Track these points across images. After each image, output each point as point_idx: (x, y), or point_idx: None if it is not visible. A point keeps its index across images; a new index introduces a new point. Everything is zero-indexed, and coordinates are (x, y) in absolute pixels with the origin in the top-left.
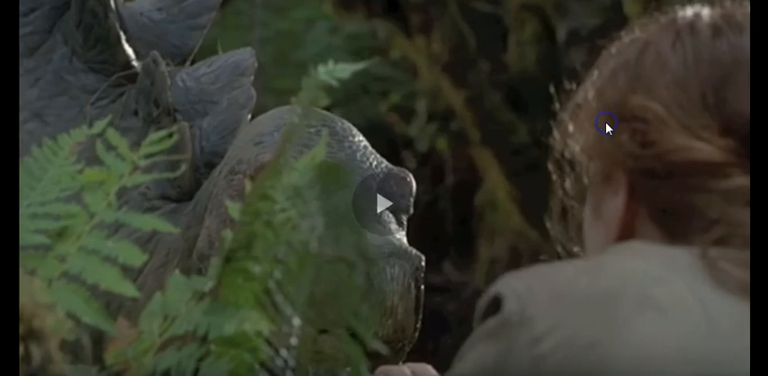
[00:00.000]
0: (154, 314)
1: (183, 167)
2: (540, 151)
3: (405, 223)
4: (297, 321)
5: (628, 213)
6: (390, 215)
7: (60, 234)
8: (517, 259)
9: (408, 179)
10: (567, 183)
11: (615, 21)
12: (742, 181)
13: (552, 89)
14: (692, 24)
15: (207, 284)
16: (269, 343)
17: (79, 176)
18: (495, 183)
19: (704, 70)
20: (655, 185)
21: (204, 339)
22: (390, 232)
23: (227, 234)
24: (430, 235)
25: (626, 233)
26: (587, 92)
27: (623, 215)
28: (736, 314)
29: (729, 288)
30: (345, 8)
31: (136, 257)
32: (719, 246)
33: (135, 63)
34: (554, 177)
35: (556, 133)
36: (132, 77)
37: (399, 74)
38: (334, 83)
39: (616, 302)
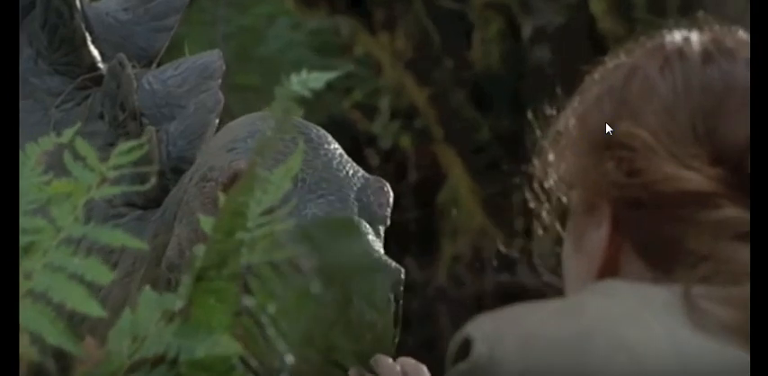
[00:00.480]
0: (122, 333)
1: (153, 180)
2: (503, 149)
3: (382, 234)
4: (289, 358)
5: (611, 246)
6: (368, 226)
7: (26, 249)
8: (479, 257)
9: (386, 189)
10: (546, 214)
11: (580, 19)
12: (732, 212)
13: (530, 115)
14: (681, 50)
15: (177, 303)
16: (245, 365)
17: (46, 188)
18: (459, 181)
19: (694, 97)
20: (640, 217)
21: (175, 362)
22: (369, 244)
23: (199, 250)
24: (392, 232)
25: (609, 267)
26: (569, 119)
27: (606, 248)
28: (713, 356)
29: (709, 329)
30: (307, 4)
31: (103, 275)
32: (704, 284)
33: (101, 65)
34: (533, 207)
35: (535, 162)
36: (98, 80)
37: (363, 71)
38: (306, 93)
39: (587, 346)
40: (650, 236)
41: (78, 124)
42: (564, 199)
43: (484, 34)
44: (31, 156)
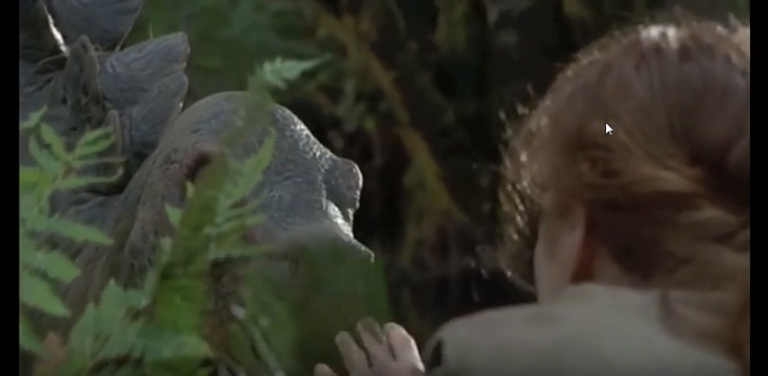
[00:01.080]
0: (85, 330)
1: (120, 171)
2: (468, 132)
3: (351, 218)
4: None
5: (585, 251)
6: (336, 209)
7: None
8: (444, 240)
9: (354, 171)
10: (519, 218)
11: (546, 3)
12: (712, 213)
13: (503, 116)
14: (658, 46)
15: (142, 301)
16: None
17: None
18: (423, 164)
19: (671, 95)
20: (616, 219)
21: (139, 363)
22: (338, 227)
23: (165, 245)
24: (356, 215)
25: (583, 272)
26: (541, 118)
27: (580, 252)
28: (691, 364)
29: (685, 335)
30: None
31: (67, 271)
32: (683, 288)
33: (63, 48)
34: (505, 211)
35: (507, 163)
36: (60, 63)
37: (327, 53)
38: (280, 83)
39: (562, 357)
40: (627, 239)
41: (44, 108)
42: (536, 202)
43: (449, 17)
44: None
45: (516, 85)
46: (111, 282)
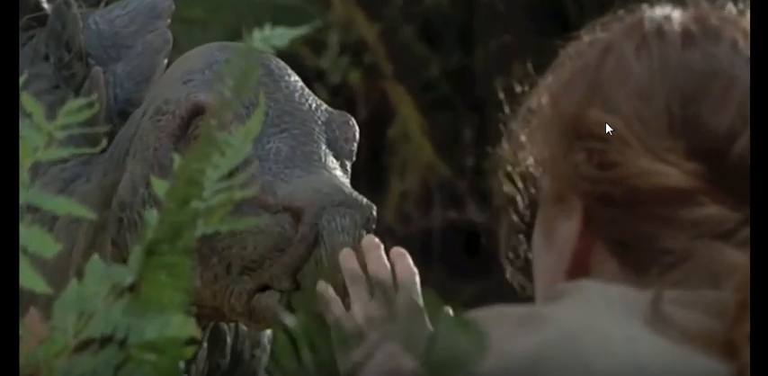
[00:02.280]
0: (68, 306)
1: (104, 142)
2: (453, 85)
3: (349, 170)
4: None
5: (582, 243)
6: (335, 161)
7: None
8: (428, 193)
9: (351, 123)
10: (519, 204)
11: None
12: (712, 210)
13: (501, 94)
14: (660, 28)
15: (127, 277)
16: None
17: None
18: (408, 117)
19: (671, 81)
20: (614, 213)
21: (124, 343)
22: (338, 179)
23: (151, 218)
24: None
25: (579, 264)
26: (541, 96)
27: (576, 244)
28: (678, 366)
29: (675, 336)
30: None
31: (48, 247)
32: (681, 286)
33: (45, 5)
34: (503, 196)
35: (505, 143)
36: (42, 20)
37: (310, 5)
38: (270, 51)
39: (542, 361)
40: (624, 233)
41: (25, 75)
42: (537, 185)
43: None
44: None
45: (501, 39)
46: (95, 256)
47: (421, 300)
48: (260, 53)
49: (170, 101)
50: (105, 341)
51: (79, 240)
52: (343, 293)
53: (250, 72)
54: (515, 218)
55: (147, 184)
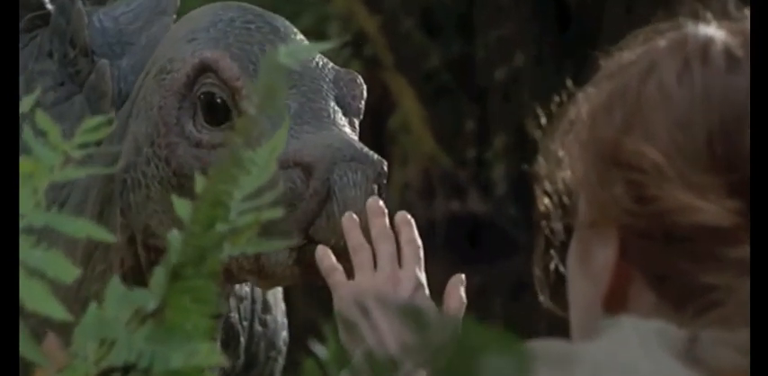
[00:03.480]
0: (88, 332)
1: (122, 162)
2: (453, 76)
3: (357, 128)
4: None
5: (619, 273)
6: (344, 117)
7: None
8: (430, 184)
9: (358, 81)
10: (555, 225)
11: None
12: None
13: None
14: (705, 50)
15: (150, 302)
16: None
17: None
18: (409, 108)
19: (713, 110)
20: (651, 248)
21: (147, 372)
22: (348, 135)
23: (174, 240)
24: None
25: (616, 294)
26: (579, 112)
27: (613, 274)
28: None
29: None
30: None
31: (68, 272)
32: (719, 324)
33: (49, 6)
34: (541, 219)
35: (541, 158)
36: (46, 18)
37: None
38: (296, 66)
39: None
40: (662, 268)
41: (38, 91)
42: (573, 201)
43: None
44: None
45: (502, 29)
46: (115, 278)
47: (423, 277)
48: (285, 69)
49: (175, 59)
50: (128, 369)
51: (86, 216)
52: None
53: (276, 88)
54: (550, 235)
55: (151, 143)
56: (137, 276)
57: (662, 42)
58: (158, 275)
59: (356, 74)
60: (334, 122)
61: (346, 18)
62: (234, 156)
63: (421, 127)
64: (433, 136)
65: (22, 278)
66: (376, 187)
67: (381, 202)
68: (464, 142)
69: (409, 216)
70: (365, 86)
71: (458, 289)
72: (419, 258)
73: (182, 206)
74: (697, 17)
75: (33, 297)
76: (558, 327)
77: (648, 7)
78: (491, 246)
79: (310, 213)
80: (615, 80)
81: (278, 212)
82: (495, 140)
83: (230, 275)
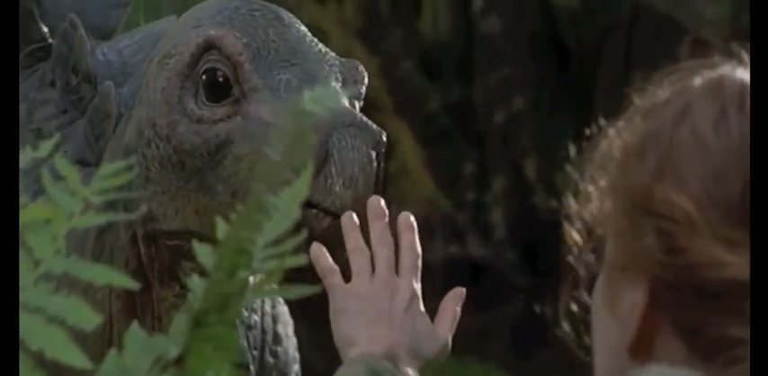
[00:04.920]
0: None
1: (144, 208)
2: (453, 119)
3: (357, 109)
4: None
5: (647, 319)
6: (345, 97)
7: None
8: (429, 228)
9: (360, 68)
10: (583, 262)
11: None
12: None
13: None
14: (743, 97)
15: (171, 349)
16: None
17: (22, 213)
18: (408, 151)
19: (749, 161)
20: (681, 299)
21: None
22: (348, 106)
23: (195, 286)
24: None
25: (644, 341)
26: (612, 143)
27: (641, 320)
28: None
29: None
30: None
31: (89, 319)
32: None
33: (51, 40)
34: (568, 245)
35: (570, 196)
36: (48, 50)
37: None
38: (322, 112)
39: None
40: (693, 320)
41: (57, 137)
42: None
43: (433, 3)
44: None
45: (501, 72)
46: (134, 324)
47: (419, 288)
48: (311, 115)
49: (179, 44)
50: None
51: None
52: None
53: (301, 135)
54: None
55: (153, 125)
56: (141, 276)
57: (697, 82)
58: (180, 322)
59: (358, 62)
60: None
61: None
62: (257, 202)
63: (420, 170)
64: (432, 179)
65: (42, 325)
66: (374, 154)
67: (383, 202)
68: (463, 185)
69: (412, 218)
70: (366, 73)
71: (454, 304)
72: (417, 267)
73: (204, 253)
74: (700, 57)
75: (54, 345)
76: (557, 372)
77: (648, 50)
78: (490, 290)
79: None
80: (649, 120)
81: (302, 259)
82: (493, 183)
83: None
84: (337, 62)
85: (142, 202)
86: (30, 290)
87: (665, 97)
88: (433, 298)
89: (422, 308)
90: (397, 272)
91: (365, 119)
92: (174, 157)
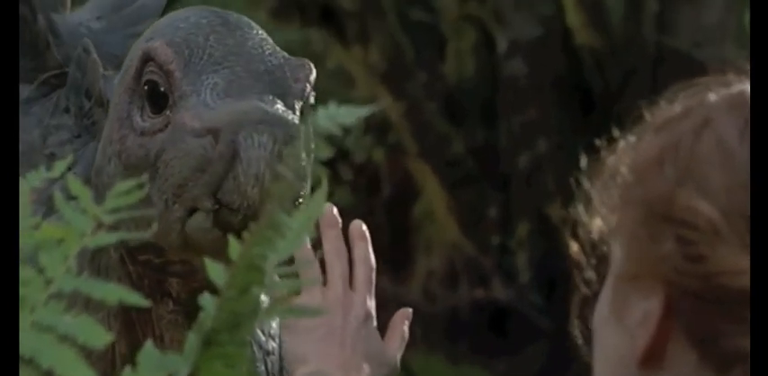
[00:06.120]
0: None
1: (154, 227)
2: (478, 162)
3: (298, 109)
4: None
5: (660, 329)
6: (277, 99)
7: None
8: (454, 272)
9: (306, 65)
10: (589, 273)
11: (556, 32)
12: None
13: (583, 161)
14: None
15: (183, 367)
16: None
17: (35, 233)
18: (433, 195)
19: None
20: (698, 308)
21: None
22: (268, 104)
23: (207, 304)
24: None
25: (654, 351)
26: (622, 158)
27: (654, 331)
28: None
29: None
30: (280, 16)
31: (98, 337)
32: None
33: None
34: (577, 259)
35: (580, 204)
36: (63, 78)
37: (335, 84)
38: (336, 130)
39: None
40: (709, 329)
41: (70, 157)
42: (607, 249)
43: (458, 46)
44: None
45: (525, 115)
46: (148, 344)
47: (373, 305)
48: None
49: (131, 59)
50: None
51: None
52: None
53: (310, 150)
54: (581, 282)
55: (110, 142)
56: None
57: (714, 97)
58: (191, 341)
59: (307, 61)
60: (260, 98)
61: (369, 104)
62: (270, 219)
63: (445, 214)
64: (456, 223)
65: (53, 344)
66: (285, 148)
67: (335, 210)
68: (487, 229)
69: (365, 227)
70: (314, 71)
71: (402, 324)
72: (371, 282)
73: (215, 271)
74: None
75: (64, 363)
76: None
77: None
78: (515, 334)
79: (216, 176)
80: (665, 134)
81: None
82: (518, 227)
83: (162, 264)
84: (280, 62)
85: (153, 220)
86: (42, 310)
87: (680, 111)
88: (458, 342)
89: (374, 326)
90: (351, 285)
91: (279, 113)
92: (126, 173)
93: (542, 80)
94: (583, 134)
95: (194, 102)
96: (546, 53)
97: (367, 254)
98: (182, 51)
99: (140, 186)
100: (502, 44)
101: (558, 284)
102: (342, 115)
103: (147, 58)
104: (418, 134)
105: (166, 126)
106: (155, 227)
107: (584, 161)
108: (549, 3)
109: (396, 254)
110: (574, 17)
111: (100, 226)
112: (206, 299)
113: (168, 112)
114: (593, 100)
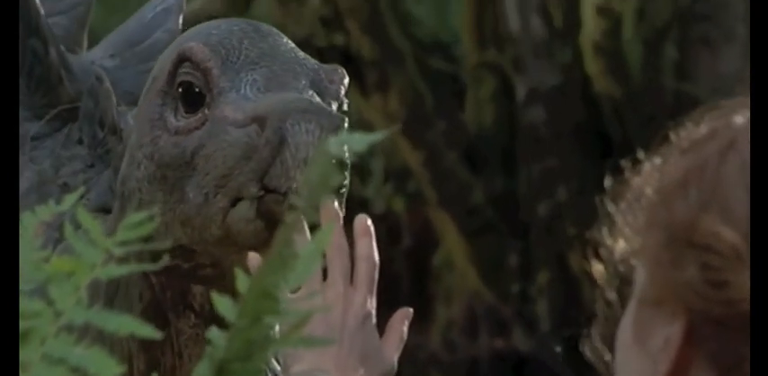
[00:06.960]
0: None
1: (166, 258)
2: (497, 211)
3: (334, 108)
4: None
5: (682, 354)
6: (316, 95)
7: (23, 336)
8: (474, 321)
9: (340, 70)
10: (612, 295)
11: (574, 79)
12: None
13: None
14: None
15: None
16: None
17: (45, 265)
18: (452, 244)
19: None
20: (721, 334)
21: None
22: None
23: (218, 338)
24: (386, 297)
25: (677, 375)
26: (648, 179)
27: (676, 356)
28: None
29: None
30: None
31: (110, 369)
32: None
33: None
34: (598, 282)
35: (604, 226)
36: (75, 112)
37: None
38: (347, 156)
39: None
40: (732, 356)
41: (81, 189)
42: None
43: (477, 95)
44: (28, 227)
45: (544, 163)
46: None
47: (373, 304)
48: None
49: (161, 65)
50: None
51: None
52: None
53: (326, 179)
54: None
55: (140, 146)
56: (156, 309)
57: (739, 119)
58: (203, 371)
59: (339, 67)
60: (300, 92)
61: (389, 153)
62: (283, 247)
63: (464, 263)
64: (476, 272)
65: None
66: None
67: (336, 203)
68: (507, 278)
69: (369, 222)
70: (347, 78)
71: (401, 324)
72: (373, 280)
73: (222, 304)
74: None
75: None
76: None
77: None
78: None
79: (264, 162)
80: (690, 155)
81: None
82: (538, 275)
83: (195, 256)
84: (314, 66)
85: (165, 252)
86: (52, 342)
87: (706, 133)
88: None
89: (374, 326)
90: (352, 282)
91: (323, 104)
92: (158, 173)
93: (561, 128)
94: (602, 180)
95: (234, 97)
96: (565, 101)
97: (370, 250)
98: (218, 50)
99: (151, 218)
100: (521, 92)
101: (579, 333)
102: (354, 141)
103: (183, 59)
104: (438, 182)
105: (203, 124)
106: (165, 259)
107: (607, 182)
108: (567, 50)
109: (415, 303)
110: (592, 65)
111: (110, 257)
112: (215, 333)
113: (205, 110)
114: (612, 147)
